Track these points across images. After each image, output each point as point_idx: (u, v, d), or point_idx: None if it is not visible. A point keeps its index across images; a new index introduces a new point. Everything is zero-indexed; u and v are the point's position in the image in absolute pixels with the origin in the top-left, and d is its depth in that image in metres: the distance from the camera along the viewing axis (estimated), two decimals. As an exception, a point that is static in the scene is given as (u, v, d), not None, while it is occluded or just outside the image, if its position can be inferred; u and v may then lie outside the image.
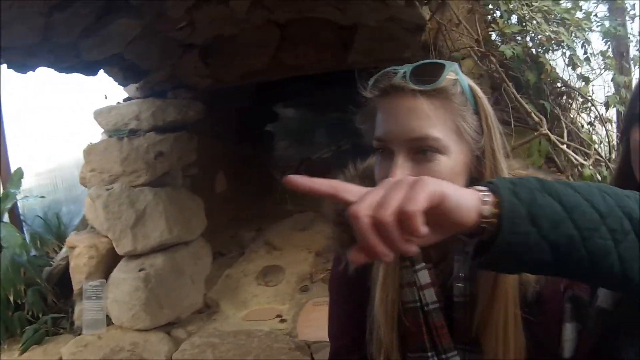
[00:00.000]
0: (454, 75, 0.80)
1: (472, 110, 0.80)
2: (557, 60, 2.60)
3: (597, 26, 2.50)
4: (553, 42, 2.34)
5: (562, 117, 2.40)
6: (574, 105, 2.65)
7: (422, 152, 0.77)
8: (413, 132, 0.77)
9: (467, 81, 0.82)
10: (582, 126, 2.62)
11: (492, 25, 2.48)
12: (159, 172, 2.51)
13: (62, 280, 2.66)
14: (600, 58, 2.57)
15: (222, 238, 3.16)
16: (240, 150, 3.43)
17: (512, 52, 2.21)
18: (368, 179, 0.93)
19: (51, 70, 2.07)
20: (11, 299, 2.46)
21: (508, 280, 0.81)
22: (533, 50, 2.48)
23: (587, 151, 2.30)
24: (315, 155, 3.18)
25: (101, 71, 2.29)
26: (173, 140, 2.55)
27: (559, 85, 2.59)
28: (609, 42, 2.64)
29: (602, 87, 2.63)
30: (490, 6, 2.54)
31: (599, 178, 1.93)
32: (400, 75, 0.78)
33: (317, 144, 3.19)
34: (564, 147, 2.17)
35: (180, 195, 2.62)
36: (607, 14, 2.75)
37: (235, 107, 3.25)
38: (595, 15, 2.73)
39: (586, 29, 2.39)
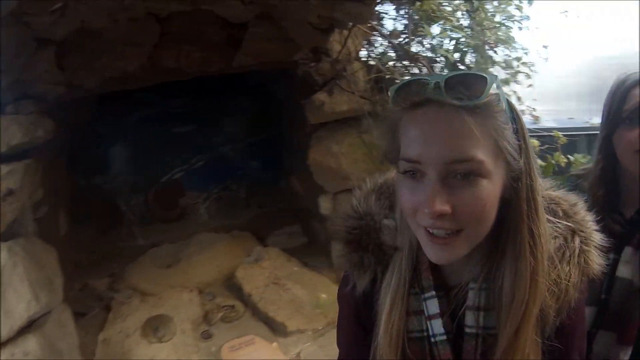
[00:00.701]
0: (495, 89, 0.77)
1: (512, 129, 0.78)
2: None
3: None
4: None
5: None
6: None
7: (464, 176, 0.74)
8: (454, 153, 0.73)
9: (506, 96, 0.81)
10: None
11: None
12: (9, 219, 1.91)
13: None
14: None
15: (71, 293, 2.59)
16: (75, 178, 2.87)
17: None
18: (384, 197, 0.95)
19: None
20: None
21: (534, 311, 0.82)
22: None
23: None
24: (165, 177, 2.91)
25: None
26: (23, 171, 1.98)
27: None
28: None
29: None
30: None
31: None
32: (433, 86, 0.74)
33: (167, 163, 2.92)
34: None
35: (36, 247, 2.05)
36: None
37: (69, 123, 2.67)
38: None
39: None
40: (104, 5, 1.88)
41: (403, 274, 0.89)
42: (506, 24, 2.57)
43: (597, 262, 0.87)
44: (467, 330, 0.88)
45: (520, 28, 2.63)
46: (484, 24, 2.52)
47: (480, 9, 2.51)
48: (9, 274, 1.90)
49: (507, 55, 2.58)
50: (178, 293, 2.54)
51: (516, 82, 2.59)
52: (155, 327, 2.44)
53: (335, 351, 1.06)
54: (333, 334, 2.08)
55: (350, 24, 2.46)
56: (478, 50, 2.49)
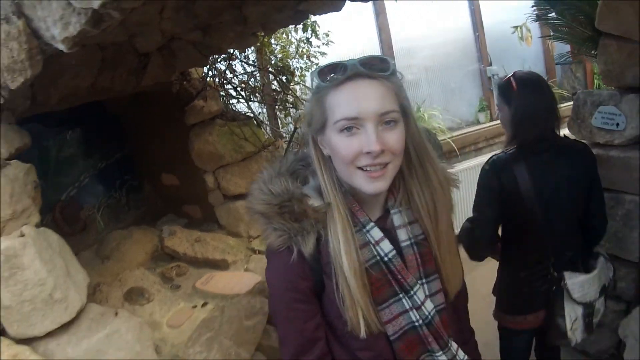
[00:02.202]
0: (394, 66, 1.14)
1: (404, 90, 1.17)
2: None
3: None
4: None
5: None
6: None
7: (387, 123, 1.10)
8: (382, 107, 1.08)
9: None
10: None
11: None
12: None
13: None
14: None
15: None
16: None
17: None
18: (288, 175, 1.22)
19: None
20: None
21: (442, 212, 1.24)
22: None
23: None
24: (63, 195, 3.09)
25: None
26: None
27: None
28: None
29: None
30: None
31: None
32: (355, 65, 1.09)
33: (60, 183, 3.09)
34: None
35: None
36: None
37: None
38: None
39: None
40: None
41: (344, 218, 1.15)
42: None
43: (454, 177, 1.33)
44: (403, 244, 1.22)
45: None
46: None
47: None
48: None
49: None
50: (130, 272, 3.03)
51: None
52: (136, 296, 2.84)
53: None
54: (257, 257, 3.17)
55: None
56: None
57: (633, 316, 2.51)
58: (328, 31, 3.97)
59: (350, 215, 1.17)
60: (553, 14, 3.12)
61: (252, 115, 3.85)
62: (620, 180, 2.70)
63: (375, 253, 1.18)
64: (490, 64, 6.18)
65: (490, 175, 2.10)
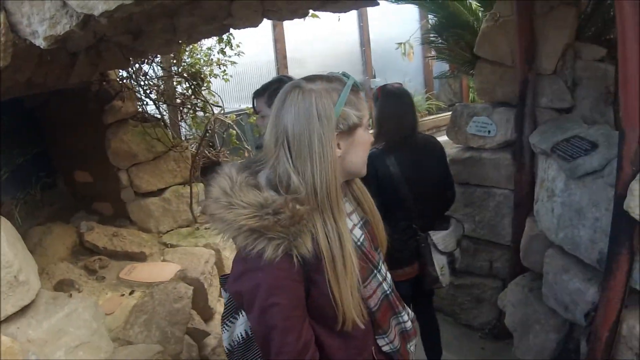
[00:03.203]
0: None
1: None
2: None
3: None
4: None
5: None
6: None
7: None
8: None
9: None
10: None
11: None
12: None
13: None
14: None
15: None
16: None
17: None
18: (248, 185, 1.26)
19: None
20: None
21: (366, 191, 1.49)
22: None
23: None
24: None
25: None
26: None
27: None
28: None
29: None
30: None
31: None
32: (354, 80, 1.31)
33: None
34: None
35: None
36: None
37: None
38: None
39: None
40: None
41: (336, 210, 1.24)
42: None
43: None
44: (358, 226, 1.41)
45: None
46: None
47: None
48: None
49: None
50: (55, 266, 3.14)
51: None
52: (67, 287, 2.94)
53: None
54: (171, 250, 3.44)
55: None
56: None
57: (510, 288, 3.00)
58: (239, 43, 4.33)
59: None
60: (436, 38, 3.77)
61: (160, 117, 4.09)
62: (491, 177, 3.31)
63: (353, 238, 1.33)
64: (374, 77, 6.86)
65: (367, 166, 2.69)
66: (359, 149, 1.33)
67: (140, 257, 3.45)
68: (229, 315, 1.44)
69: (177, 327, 2.77)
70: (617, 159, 1.90)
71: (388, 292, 1.42)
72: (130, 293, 3.04)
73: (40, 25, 1.90)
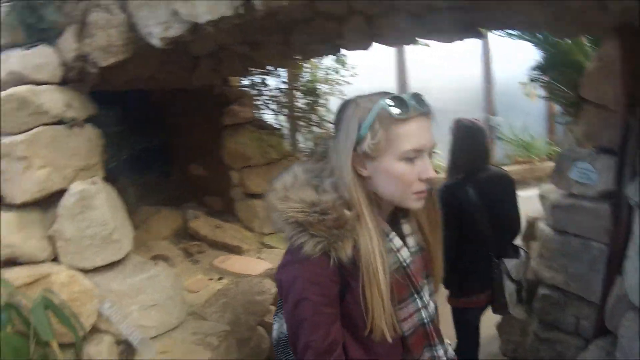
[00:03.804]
0: None
1: None
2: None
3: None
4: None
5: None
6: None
7: (429, 154, 1.27)
8: (433, 142, 1.27)
9: None
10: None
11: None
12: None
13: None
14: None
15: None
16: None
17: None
18: (311, 184, 1.30)
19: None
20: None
21: (436, 222, 1.44)
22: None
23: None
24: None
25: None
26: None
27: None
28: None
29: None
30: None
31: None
32: (420, 102, 1.24)
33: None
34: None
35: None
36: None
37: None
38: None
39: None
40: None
41: (376, 228, 1.25)
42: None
43: None
44: (411, 249, 1.37)
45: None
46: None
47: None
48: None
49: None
50: (156, 242, 3.53)
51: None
52: (162, 261, 3.20)
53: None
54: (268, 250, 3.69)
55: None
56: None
57: (589, 349, 2.82)
58: (354, 65, 4.57)
59: (378, 226, 1.28)
60: (540, 76, 3.70)
61: (278, 127, 4.41)
62: (590, 229, 3.08)
63: (397, 259, 1.32)
64: (495, 114, 6.74)
65: (448, 196, 2.73)
66: (386, 178, 1.26)
67: (236, 250, 3.73)
68: (281, 307, 1.46)
69: (252, 317, 2.97)
70: None
71: (426, 320, 1.38)
72: (219, 279, 3.32)
73: (155, 28, 2.23)
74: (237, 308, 2.90)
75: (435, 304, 1.47)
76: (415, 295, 1.36)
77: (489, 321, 3.26)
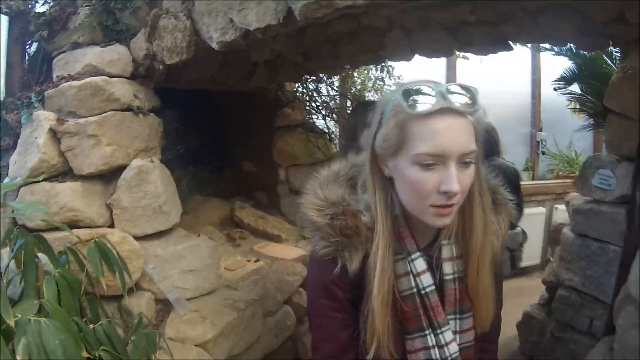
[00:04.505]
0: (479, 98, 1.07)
1: (481, 126, 1.12)
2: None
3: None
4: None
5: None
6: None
7: (465, 162, 1.07)
8: (464, 147, 1.05)
9: None
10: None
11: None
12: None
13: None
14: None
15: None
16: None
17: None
18: (344, 184, 1.27)
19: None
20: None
21: (487, 253, 1.23)
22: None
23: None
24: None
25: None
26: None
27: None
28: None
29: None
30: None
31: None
32: (445, 97, 1.04)
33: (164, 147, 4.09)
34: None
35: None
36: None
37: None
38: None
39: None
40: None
41: (387, 243, 1.15)
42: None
43: (512, 212, 1.32)
44: (447, 277, 1.22)
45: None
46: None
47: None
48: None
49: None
50: (203, 227, 3.92)
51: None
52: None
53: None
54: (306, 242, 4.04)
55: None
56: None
57: (597, 346, 2.95)
58: (400, 75, 4.86)
59: (395, 241, 1.19)
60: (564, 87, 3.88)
61: (326, 131, 4.78)
62: (607, 232, 3.28)
63: (414, 285, 1.19)
64: (541, 130, 6.88)
65: None
66: (402, 183, 1.14)
67: (276, 239, 4.11)
68: None
69: (280, 294, 3.34)
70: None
71: None
72: (255, 261, 3.68)
73: (214, 33, 2.63)
74: (268, 284, 3.26)
75: (472, 341, 1.28)
76: (428, 331, 1.21)
77: (510, 322, 3.45)
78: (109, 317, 2.43)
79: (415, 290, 1.20)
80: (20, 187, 2.68)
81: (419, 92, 1.07)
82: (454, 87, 1.08)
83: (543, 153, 6.92)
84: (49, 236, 2.39)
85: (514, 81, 6.69)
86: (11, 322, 1.52)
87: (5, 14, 3.36)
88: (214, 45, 2.67)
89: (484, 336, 1.32)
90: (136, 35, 3.05)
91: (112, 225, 2.81)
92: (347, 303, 1.22)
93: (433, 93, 1.05)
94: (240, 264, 3.54)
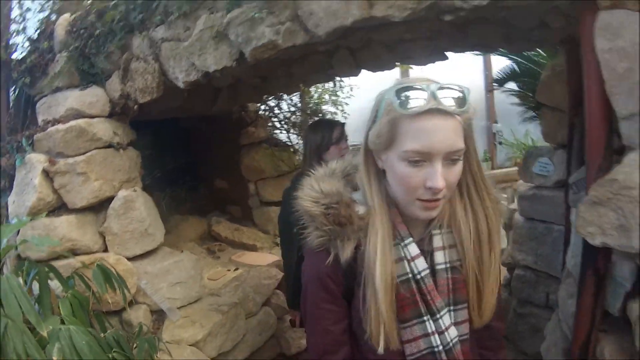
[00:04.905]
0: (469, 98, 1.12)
1: (471, 123, 1.17)
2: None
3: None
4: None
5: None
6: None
7: (452, 159, 1.12)
8: (453, 146, 1.10)
9: None
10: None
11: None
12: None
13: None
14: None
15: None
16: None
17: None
18: (340, 178, 1.31)
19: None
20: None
21: (488, 247, 1.24)
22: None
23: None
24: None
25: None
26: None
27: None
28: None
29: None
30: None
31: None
32: (435, 98, 1.08)
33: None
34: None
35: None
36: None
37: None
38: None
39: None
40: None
41: (386, 229, 1.20)
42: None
43: (503, 210, 1.34)
44: (438, 267, 1.24)
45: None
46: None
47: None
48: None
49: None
50: (184, 244, 4.35)
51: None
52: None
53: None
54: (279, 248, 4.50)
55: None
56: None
57: (552, 318, 3.17)
58: (351, 86, 5.35)
59: (391, 228, 1.22)
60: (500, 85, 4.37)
61: (289, 144, 5.25)
62: (550, 214, 3.63)
63: (409, 270, 1.22)
64: (496, 122, 7.43)
65: None
66: (393, 176, 1.20)
67: (252, 248, 4.53)
68: None
69: (259, 296, 3.77)
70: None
71: (437, 349, 1.24)
72: (235, 269, 4.11)
73: (180, 74, 3.05)
74: (247, 289, 3.70)
75: (470, 336, 1.30)
76: (426, 317, 1.23)
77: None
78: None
79: (410, 275, 1.22)
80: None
81: (410, 91, 1.11)
82: (445, 87, 1.11)
83: (500, 143, 7.44)
84: (54, 264, 2.80)
85: (467, 77, 7.10)
86: (44, 333, 1.94)
87: (-12, 63, 3.69)
88: (180, 84, 3.10)
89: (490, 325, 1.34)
90: (111, 77, 3.46)
91: (105, 250, 3.22)
92: (341, 297, 1.26)
93: (424, 93, 1.09)
94: (222, 274, 3.96)
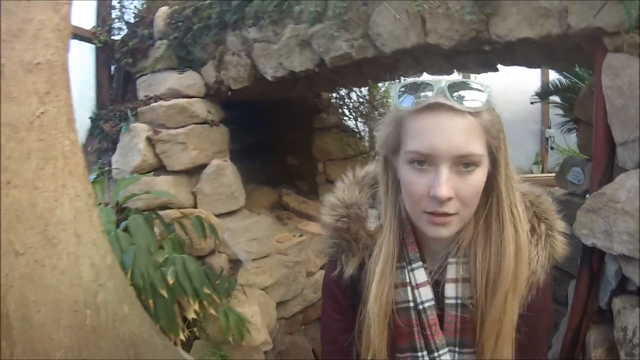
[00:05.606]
0: (490, 97, 0.97)
1: (498, 129, 1.00)
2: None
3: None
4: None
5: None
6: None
7: (464, 165, 0.95)
8: (461, 149, 0.94)
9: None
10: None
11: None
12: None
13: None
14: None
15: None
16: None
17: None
18: (367, 188, 1.20)
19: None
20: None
21: (521, 278, 1.03)
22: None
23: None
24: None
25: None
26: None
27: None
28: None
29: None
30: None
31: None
32: (440, 92, 0.95)
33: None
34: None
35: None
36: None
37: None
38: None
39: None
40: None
41: (390, 249, 1.08)
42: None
43: (561, 246, 1.11)
44: (448, 301, 1.08)
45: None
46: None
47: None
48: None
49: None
50: (257, 209, 5.06)
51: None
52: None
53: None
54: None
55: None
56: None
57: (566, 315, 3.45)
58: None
59: (399, 248, 1.11)
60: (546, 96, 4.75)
61: (356, 130, 5.94)
62: None
63: (411, 298, 1.11)
64: (550, 127, 7.71)
65: None
66: (402, 185, 1.06)
67: (316, 219, 5.22)
68: None
69: (318, 259, 4.51)
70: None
71: None
72: (300, 236, 4.82)
73: (269, 70, 3.75)
74: (309, 252, 4.44)
75: None
76: (421, 353, 1.12)
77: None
78: (201, 269, 3.66)
79: (412, 304, 1.11)
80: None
81: (414, 85, 1.00)
82: (455, 83, 0.98)
83: (552, 148, 7.69)
84: (154, 214, 3.61)
85: (523, 82, 7.42)
86: (160, 259, 2.74)
87: (94, 44, 4.56)
88: (269, 78, 3.79)
89: None
90: (205, 65, 4.21)
91: (195, 207, 4.00)
92: (348, 307, 1.19)
93: (429, 88, 0.97)
94: (288, 238, 4.69)
